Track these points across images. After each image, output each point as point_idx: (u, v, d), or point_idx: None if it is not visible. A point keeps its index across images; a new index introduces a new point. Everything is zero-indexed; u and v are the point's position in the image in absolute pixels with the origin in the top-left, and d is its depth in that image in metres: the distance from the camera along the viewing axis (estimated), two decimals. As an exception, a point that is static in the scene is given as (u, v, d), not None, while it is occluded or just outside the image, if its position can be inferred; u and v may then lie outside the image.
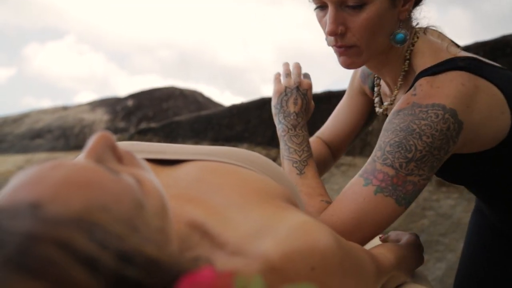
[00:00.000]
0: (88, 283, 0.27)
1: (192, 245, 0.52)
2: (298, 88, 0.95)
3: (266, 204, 0.57)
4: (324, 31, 0.85)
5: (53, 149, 6.04)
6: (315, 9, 0.84)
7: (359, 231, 0.76)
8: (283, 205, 0.58)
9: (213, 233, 0.54)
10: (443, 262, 2.02)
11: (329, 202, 0.83)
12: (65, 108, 7.13)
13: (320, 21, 0.85)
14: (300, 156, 0.89)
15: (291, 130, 0.91)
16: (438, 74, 0.79)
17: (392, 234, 0.92)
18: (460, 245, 2.09)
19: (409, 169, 0.76)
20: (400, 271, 0.75)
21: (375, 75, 1.01)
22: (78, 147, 5.85)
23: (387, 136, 0.79)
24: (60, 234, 0.29)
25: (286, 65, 1.01)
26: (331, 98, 3.09)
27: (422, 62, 0.84)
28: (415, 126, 0.76)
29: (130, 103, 6.80)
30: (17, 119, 7.01)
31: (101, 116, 6.54)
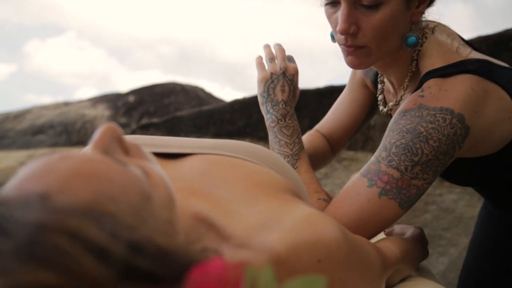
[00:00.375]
0: (99, 273, 0.27)
1: (199, 238, 0.52)
2: (284, 73, 0.91)
3: (271, 197, 0.57)
4: (333, 28, 0.83)
5: (55, 144, 6.05)
6: (326, 4, 0.81)
7: (360, 232, 0.75)
8: (288, 198, 0.58)
9: (218, 226, 0.53)
10: (445, 257, 2.02)
11: (326, 200, 0.81)
12: (66, 104, 7.12)
13: (329, 17, 0.82)
14: (291, 150, 0.86)
15: (281, 121, 0.88)
16: (447, 77, 0.78)
17: (397, 228, 0.92)
18: (462, 240, 2.09)
19: (414, 173, 0.74)
20: (405, 264, 0.75)
21: None
22: (80, 142, 5.85)
23: (392, 136, 0.77)
24: (70, 224, 0.29)
25: (268, 48, 0.96)
26: (334, 93, 3.09)
27: (430, 63, 0.82)
28: (422, 129, 0.75)
29: (131, 98, 6.79)
30: (19, 115, 7.01)
31: (103, 111, 6.53)
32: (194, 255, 0.31)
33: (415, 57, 0.85)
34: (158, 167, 0.47)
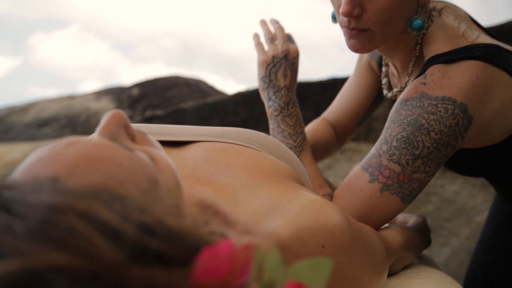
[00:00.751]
0: (112, 254, 0.27)
1: (205, 223, 0.53)
2: (286, 56, 0.87)
3: (275, 183, 0.58)
4: (335, 9, 0.79)
5: (59, 137, 6.04)
6: None
7: None
8: (291, 185, 0.59)
9: (223, 213, 0.54)
10: (447, 247, 2.03)
11: (330, 195, 0.80)
12: (70, 97, 7.13)
13: None
14: (295, 141, 0.84)
15: (284, 110, 0.85)
16: (452, 63, 0.74)
17: (400, 216, 0.93)
18: (464, 230, 2.09)
19: (416, 166, 0.73)
20: (408, 252, 0.76)
21: None
22: (85, 135, 5.84)
23: (393, 128, 0.75)
24: (81, 206, 0.29)
25: (266, 25, 0.91)
26: (337, 85, 3.08)
27: (435, 48, 0.78)
28: (423, 121, 0.72)
29: (135, 91, 6.79)
30: (24, 109, 7.02)
31: (107, 104, 6.54)
32: (203, 237, 0.31)
33: (419, 41, 0.82)
34: (164, 153, 0.47)
